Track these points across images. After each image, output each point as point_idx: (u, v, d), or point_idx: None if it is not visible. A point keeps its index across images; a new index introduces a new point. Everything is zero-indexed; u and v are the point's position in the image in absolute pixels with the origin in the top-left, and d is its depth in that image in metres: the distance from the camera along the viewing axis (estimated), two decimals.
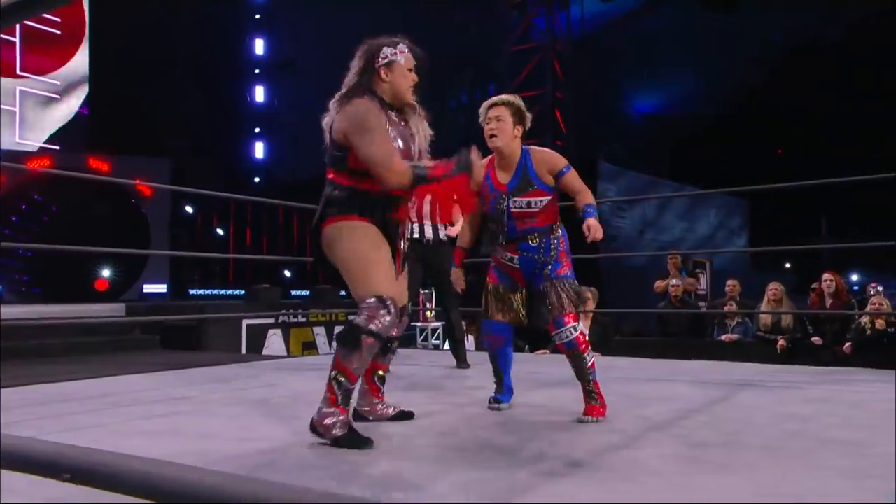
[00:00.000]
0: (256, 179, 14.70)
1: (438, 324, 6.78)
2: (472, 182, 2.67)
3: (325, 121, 2.65)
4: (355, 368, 2.42)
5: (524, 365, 5.10)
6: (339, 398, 2.40)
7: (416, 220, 4.03)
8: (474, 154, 2.60)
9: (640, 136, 19.10)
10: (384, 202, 2.58)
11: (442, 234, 4.81)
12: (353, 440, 2.38)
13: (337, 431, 2.38)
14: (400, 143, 2.61)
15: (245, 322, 7.36)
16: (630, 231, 16.08)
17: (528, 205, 3.05)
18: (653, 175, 17.00)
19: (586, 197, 3.06)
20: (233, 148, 14.76)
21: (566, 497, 1.81)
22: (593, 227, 2.91)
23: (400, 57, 2.66)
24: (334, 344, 2.55)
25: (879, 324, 5.89)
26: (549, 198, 3.07)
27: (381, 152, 2.46)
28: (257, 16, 15.70)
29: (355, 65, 2.68)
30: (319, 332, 8.02)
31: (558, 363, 4.77)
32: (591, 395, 2.93)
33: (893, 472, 2.02)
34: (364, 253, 2.52)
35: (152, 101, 12.23)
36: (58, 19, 11.62)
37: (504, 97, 3.14)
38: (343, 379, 2.40)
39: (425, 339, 6.54)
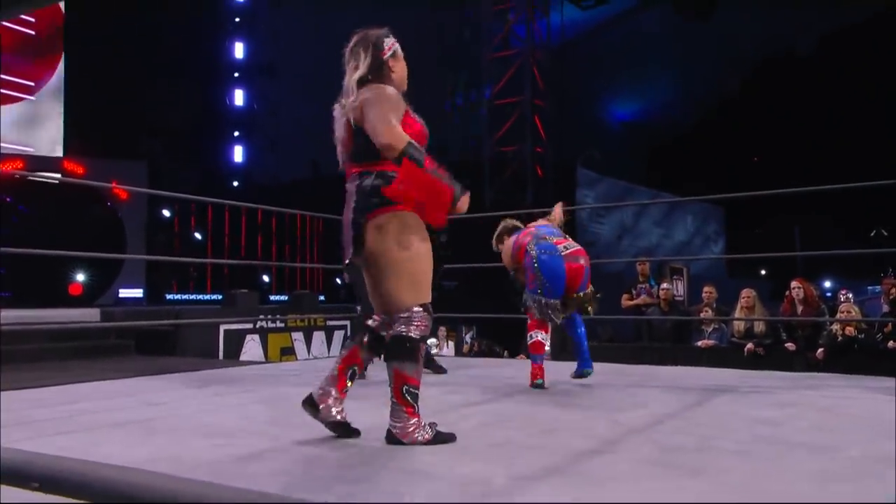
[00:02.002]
0: (235, 183, 14.64)
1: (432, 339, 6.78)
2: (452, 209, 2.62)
3: (341, 116, 2.59)
4: (418, 374, 2.47)
5: (502, 369, 5.12)
6: (415, 406, 2.45)
7: None
8: (466, 198, 2.58)
9: (618, 142, 19.24)
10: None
11: None
12: (442, 438, 2.47)
13: (426, 436, 2.44)
14: (424, 126, 2.62)
15: (222, 327, 7.32)
16: (608, 237, 16.19)
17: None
18: (630, 181, 17.13)
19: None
20: (211, 151, 14.68)
21: (547, 498, 1.82)
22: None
23: (397, 47, 2.65)
24: (388, 359, 2.50)
25: (849, 330, 5.97)
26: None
27: (387, 116, 2.41)
28: (237, 19, 15.65)
29: (363, 59, 2.58)
30: (298, 336, 8.00)
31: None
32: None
33: (860, 474, 2.06)
34: (421, 255, 2.50)
35: (129, 103, 12.14)
36: (32, 19, 11.47)
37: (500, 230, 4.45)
38: (413, 389, 2.43)
39: None
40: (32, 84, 11.72)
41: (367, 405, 3.03)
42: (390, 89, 2.53)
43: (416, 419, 2.45)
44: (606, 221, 16.09)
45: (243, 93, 15.42)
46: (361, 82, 2.54)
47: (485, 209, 13.96)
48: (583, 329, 4.24)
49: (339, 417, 2.57)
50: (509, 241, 4.33)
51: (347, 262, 2.56)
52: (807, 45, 16.54)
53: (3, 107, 11.22)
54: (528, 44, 17.15)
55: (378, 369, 2.79)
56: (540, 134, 16.85)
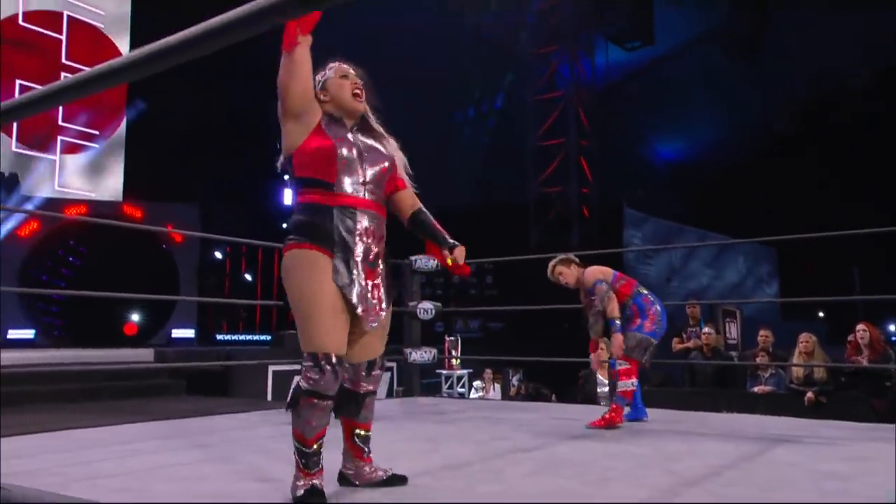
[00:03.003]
0: (284, 226, 14.87)
1: (465, 371, 6.75)
2: (442, 259, 2.63)
3: None
4: (305, 431, 2.28)
5: (551, 414, 5.04)
6: (302, 463, 2.29)
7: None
8: (460, 251, 2.59)
9: (664, 182, 19.09)
10: (342, 216, 2.36)
11: None
12: (307, 500, 2.27)
13: (299, 492, 2.27)
14: (345, 151, 2.39)
15: (271, 368, 7.38)
16: (656, 278, 15.97)
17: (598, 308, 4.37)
18: (677, 221, 16.93)
19: (611, 312, 4.33)
20: (261, 194, 14.95)
21: None
22: (619, 344, 4.29)
23: (329, 72, 2.52)
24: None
25: None
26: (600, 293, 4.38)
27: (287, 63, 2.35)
28: None
29: None
30: None
31: (585, 412, 4.72)
32: (611, 410, 4.11)
33: None
34: (309, 297, 2.28)
35: (184, 150, 12.47)
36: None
37: (552, 263, 4.50)
38: (297, 444, 2.29)
39: (451, 387, 6.50)
40: (97, 133, 12.21)
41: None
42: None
43: (299, 474, 2.30)
44: (654, 262, 15.89)
45: None
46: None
47: (530, 251, 13.97)
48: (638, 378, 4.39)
49: (381, 475, 2.51)
50: (574, 271, 4.49)
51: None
52: (860, 79, 16.24)
53: (69, 155, 11.66)
54: (572, 85, 17.21)
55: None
56: (585, 174, 16.83)
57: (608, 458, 3.12)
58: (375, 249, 2.41)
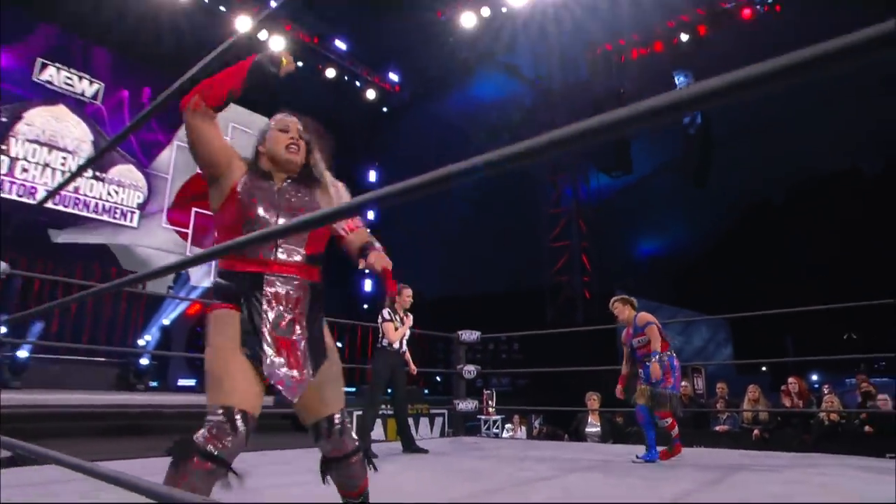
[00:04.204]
0: (365, 307, 15.03)
1: (499, 417, 6.67)
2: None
3: None
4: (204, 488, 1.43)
5: (565, 451, 4.95)
6: None
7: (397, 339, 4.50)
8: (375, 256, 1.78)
9: (645, 271, 18.95)
10: (250, 282, 1.64)
11: (405, 345, 4.64)
12: None
13: None
14: (261, 211, 1.71)
15: (355, 413, 7.37)
16: None
17: (637, 344, 4.19)
18: (656, 301, 16.69)
19: (655, 345, 4.09)
20: (349, 283, 15.23)
21: None
22: (656, 370, 4.00)
23: (271, 123, 1.96)
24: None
25: (833, 417, 5.56)
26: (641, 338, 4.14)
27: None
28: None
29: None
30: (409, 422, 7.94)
31: (587, 450, 4.63)
32: (670, 446, 3.95)
33: None
34: (223, 357, 1.59)
35: None
36: None
37: (614, 299, 4.37)
38: None
39: (488, 429, 6.42)
40: None
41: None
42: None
43: None
44: None
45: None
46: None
47: (546, 326, 13.83)
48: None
49: None
50: (627, 311, 4.29)
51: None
52: (778, 195, 16.65)
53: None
54: (573, 202, 17.47)
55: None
56: (586, 267, 16.81)
57: (608, 486, 3.09)
58: (289, 316, 1.67)
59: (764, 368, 16.01)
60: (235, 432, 1.47)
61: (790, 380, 6.30)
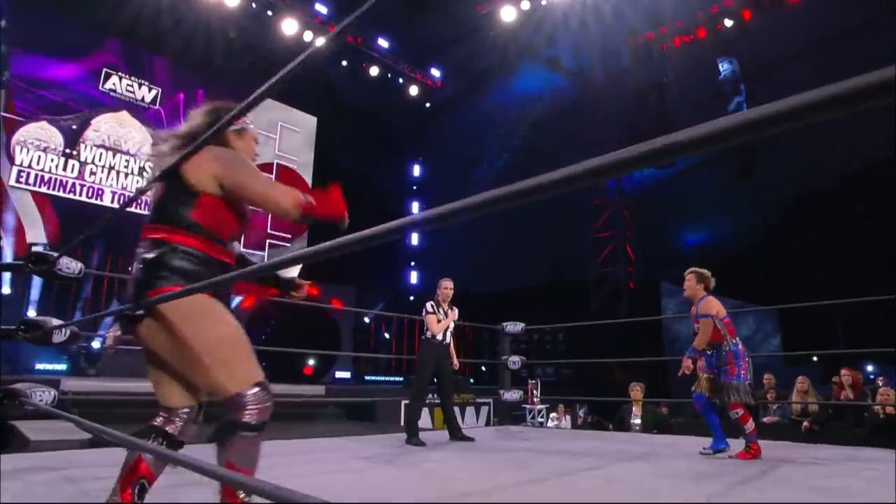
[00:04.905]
0: (411, 298, 15.20)
1: (543, 406, 6.68)
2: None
3: (156, 166, 1.74)
4: (253, 468, 1.59)
5: (608, 442, 4.93)
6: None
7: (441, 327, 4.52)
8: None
9: (689, 262, 18.51)
10: (223, 271, 1.64)
11: (449, 337, 4.64)
12: None
13: None
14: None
15: (403, 402, 7.50)
16: (686, 335, 15.29)
17: (695, 329, 3.85)
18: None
19: (698, 342, 3.77)
20: (395, 277, 15.43)
21: None
22: (684, 362, 3.82)
23: (250, 126, 1.88)
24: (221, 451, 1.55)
25: (888, 410, 5.34)
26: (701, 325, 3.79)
27: (271, 186, 1.68)
28: (414, 186, 16.65)
29: (197, 119, 1.76)
30: (455, 411, 8.03)
31: (631, 439, 4.61)
32: (746, 446, 3.61)
33: None
34: (237, 335, 1.60)
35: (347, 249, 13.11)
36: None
37: (691, 269, 4.03)
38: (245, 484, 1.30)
39: (533, 418, 6.44)
40: (290, 236, 13.15)
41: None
42: (232, 151, 1.78)
43: None
44: (684, 324, 15.27)
45: (417, 237, 16.21)
46: (191, 137, 1.69)
47: (591, 317, 13.70)
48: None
49: None
50: (697, 287, 3.91)
51: None
52: (828, 184, 15.96)
53: (268, 251, 12.57)
54: (617, 193, 17.21)
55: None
56: (630, 258, 16.55)
57: (652, 477, 3.08)
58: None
59: (815, 359, 15.43)
60: (271, 399, 1.57)
61: (843, 371, 6.06)
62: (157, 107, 11.00)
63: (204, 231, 1.63)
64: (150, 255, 1.58)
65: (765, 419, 6.52)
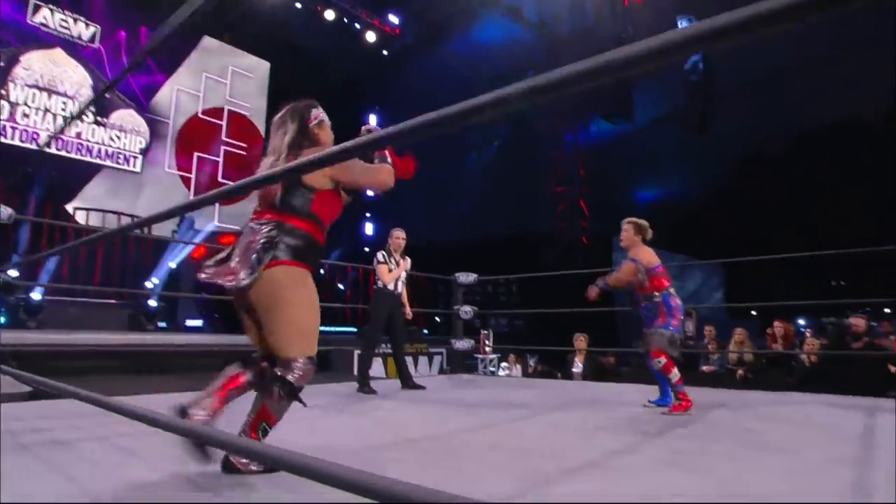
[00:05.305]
0: (367, 249, 15.12)
1: (495, 356, 6.82)
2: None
3: (272, 165, 2.01)
4: (279, 417, 1.92)
5: (555, 387, 5.09)
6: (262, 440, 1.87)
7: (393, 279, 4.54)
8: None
9: (643, 217, 18.98)
10: (321, 251, 2.04)
11: (401, 287, 4.65)
12: (270, 468, 1.85)
13: (254, 468, 1.86)
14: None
15: (356, 352, 7.52)
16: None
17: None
18: (652, 246, 16.75)
19: (614, 278, 3.78)
20: (351, 228, 15.27)
21: (586, 486, 1.84)
22: (590, 289, 3.86)
23: (324, 116, 2.17)
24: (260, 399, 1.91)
25: (813, 359, 5.69)
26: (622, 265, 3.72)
27: (374, 172, 2.06)
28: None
29: (289, 125, 2.07)
30: (408, 360, 8.12)
31: (579, 387, 4.76)
32: (675, 397, 3.45)
33: (818, 472, 2.01)
34: (313, 310, 1.93)
35: None
36: (245, 144, 12.59)
37: (629, 218, 3.82)
38: (266, 426, 1.88)
39: (485, 367, 6.57)
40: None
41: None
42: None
43: None
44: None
45: None
46: (293, 146, 2.03)
47: (545, 269, 13.93)
48: None
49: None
50: (634, 237, 3.75)
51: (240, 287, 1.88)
52: (779, 145, 16.40)
53: (224, 206, 12.24)
54: (574, 148, 17.30)
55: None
56: (584, 213, 16.81)
57: (597, 418, 3.20)
58: None
59: (754, 313, 16.22)
60: (314, 371, 1.92)
61: (775, 323, 6.41)
62: (96, 45, 10.30)
63: (316, 219, 1.98)
64: (272, 233, 1.90)
65: (704, 368, 6.84)
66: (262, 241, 1.89)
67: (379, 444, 2.50)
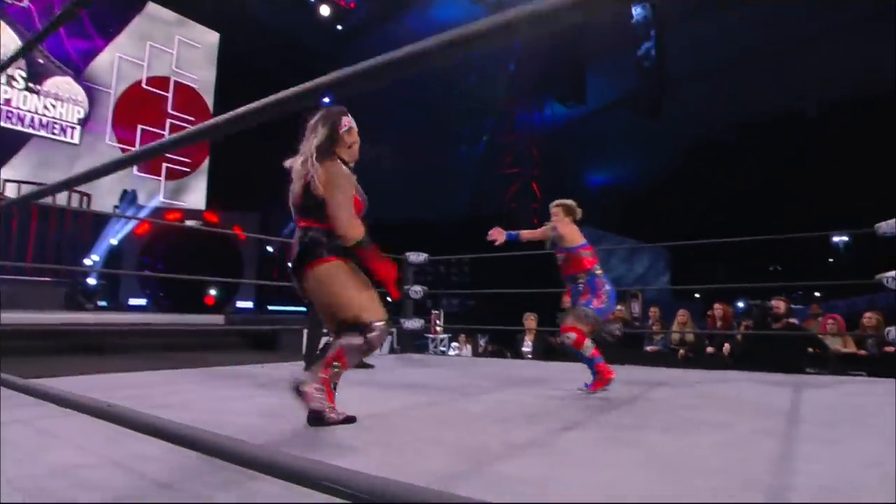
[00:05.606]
0: None
1: (446, 335, 6.84)
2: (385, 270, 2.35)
3: (299, 176, 2.32)
4: (352, 364, 2.27)
5: (504, 366, 5.14)
6: (333, 385, 2.24)
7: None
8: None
9: (593, 200, 19.29)
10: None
11: None
12: (347, 420, 2.27)
13: (335, 416, 2.23)
14: (361, 197, 2.40)
15: (305, 331, 7.40)
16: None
17: (561, 260, 3.55)
18: (602, 229, 17.09)
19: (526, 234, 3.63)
20: None
21: (530, 462, 1.85)
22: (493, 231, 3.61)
23: (353, 123, 2.42)
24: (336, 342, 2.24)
25: (739, 338, 5.97)
26: (565, 255, 3.51)
27: (347, 205, 2.27)
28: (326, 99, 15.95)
29: (321, 130, 2.34)
30: None
31: (528, 366, 4.81)
32: (594, 373, 3.32)
33: (744, 443, 2.07)
34: (362, 286, 2.27)
35: (248, 173, 12.42)
36: (192, 118, 12.05)
37: (559, 201, 3.61)
38: (339, 368, 2.22)
39: (435, 347, 6.57)
40: (189, 164, 12.30)
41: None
42: (345, 171, 2.32)
43: (326, 390, 2.23)
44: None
45: None
46: (320, 150, 2.31)
47: (496, 250, 14.03)
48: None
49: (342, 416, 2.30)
50: (564, 220, 3.56)
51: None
52: (728, 134, 16.86)
53: (169, 181, 11.75)
54: (527, 130, 17.38)
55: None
56: (536, 194, 16.97)
57: (542, 399, 3.22)
58: None
59: (697, 296, 16.81)
60: (388, 332, 2.33)
61: (715, 305, 6.64)
62: (25, 4, 9.62)
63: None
64: (308, 238, 2.27)
65: (648, 347, 7.04)
66: (299, 247, 2.29)
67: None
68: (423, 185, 17.04)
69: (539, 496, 1.53)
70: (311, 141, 2.32)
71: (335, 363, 2.21)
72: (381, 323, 2.25)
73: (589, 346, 3.29)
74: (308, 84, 0.89)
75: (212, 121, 1.06)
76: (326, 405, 2.22)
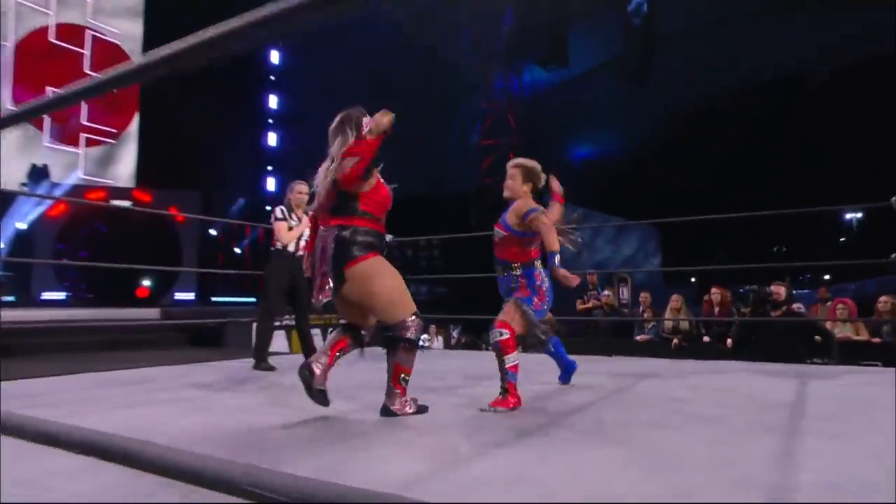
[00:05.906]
0: (268, 208, 14.67)
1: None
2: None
3: (325, 176, 2.60)
4: (411, 366, 2.65)
5: (476, 359, 5.15)
6: (407, 389, 2.65)
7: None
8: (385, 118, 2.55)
9: (577, 176, 19.39)
10: (384, 239, 2.67)
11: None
12: (422, 409, 2.70)
13: (411, 409, 2.65)
14: (390, 191, 2.72)
15: (255, 325, 7.32)
16: (569, 252, 16.16)
17: (499, 237, 3.14)
18: (586, 207, 17.19)
19: (549, 244, 2.91)
20: (250, 183, 14.71)
21: (503, 462, 1.86)
22: (562, 277, 2.87)
23: (373, 124, 2.60)
24: (390, 355, 2.63)
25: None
26: (507, 234, 3.09)
27: (353, 165, 2.49)
28: (272, 77, 15.67)
29: (348, 133, 2.61)
30: (316, 332, 8.00)
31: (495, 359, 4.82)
32: (503, 390, 2.86)
33: (740, 438, 2.12)
34: (396, 280, 2.61)
35: (186, 143, 12.15)
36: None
37: (519, 160, 3.18)
38: (406, 377, 2.63)
39: None
40: (115, 131, 11.90)
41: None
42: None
43: (407, 397, 2.67)
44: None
45: (276, 136, 15.44)
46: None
47: (470, 230, 14.03)
48: (562, 347, 3.55)
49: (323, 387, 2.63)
50: (522, 187, 3.13)
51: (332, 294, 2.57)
52: (723, 102, 17.03)
53: (90, 149, 11.34)
54: (505, 97, 17.34)
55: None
56: None
57: (519, 392, 3.23)
58: None
59: (693, 279, 17.10)
60: (423, 321, 2.72)
61: (713, 289, 6.72)
62: None
63: (370, 215, 2.59)
64: (345, 234, 2.54)
65: (638, 337, 7.15)
66: (333, 247, 2.54)
67: (269, 425, 2.43)
68: (386, 157, 16.90)
69: (507, 497, 1.54)
70: (339, 146, 2.60)
71: (402, 375, 2.63)
72: (414, 317, 2.62)
73: (514, 358, 2.91)
74: (248, 15, 0.82)
75: (137, 61, 0.99)
76: (408, 408, 2.66)
